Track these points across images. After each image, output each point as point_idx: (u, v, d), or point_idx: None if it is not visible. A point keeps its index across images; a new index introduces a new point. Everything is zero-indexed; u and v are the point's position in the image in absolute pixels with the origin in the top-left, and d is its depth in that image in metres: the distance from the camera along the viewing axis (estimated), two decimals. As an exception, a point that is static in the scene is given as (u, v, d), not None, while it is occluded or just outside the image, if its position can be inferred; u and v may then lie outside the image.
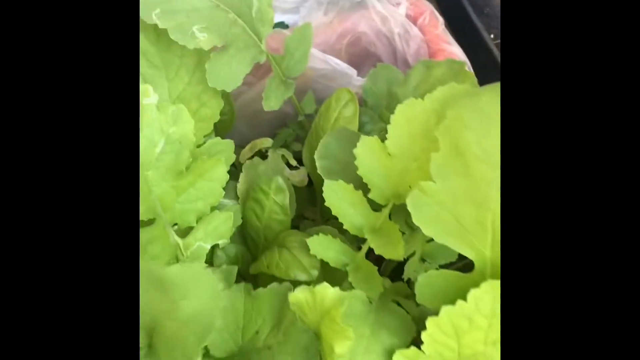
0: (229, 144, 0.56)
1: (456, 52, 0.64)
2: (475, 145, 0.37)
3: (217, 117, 0.55)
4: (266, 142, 0.67)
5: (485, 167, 0.37)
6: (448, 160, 0.38)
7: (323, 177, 0.50)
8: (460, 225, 0.37)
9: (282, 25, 0.87)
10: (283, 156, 0.66)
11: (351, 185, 0.46)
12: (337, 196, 0.46)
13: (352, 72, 0.63)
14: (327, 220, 0.66)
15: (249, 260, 0.58)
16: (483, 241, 0.38)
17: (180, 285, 0.33)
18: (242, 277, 0.57)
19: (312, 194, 0.67)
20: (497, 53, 0.73)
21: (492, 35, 0.76)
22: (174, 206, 0.49)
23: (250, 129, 0.70)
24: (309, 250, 0.48)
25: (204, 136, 0.55)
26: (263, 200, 0.55)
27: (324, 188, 0.46)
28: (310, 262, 0.48)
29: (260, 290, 0.43)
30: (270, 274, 0.50)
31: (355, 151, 0.44)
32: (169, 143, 0.46)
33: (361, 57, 0.70)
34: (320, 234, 0.47)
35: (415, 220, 0.38)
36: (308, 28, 0.58)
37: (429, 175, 0.41)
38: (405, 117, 0.42)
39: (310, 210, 0.68)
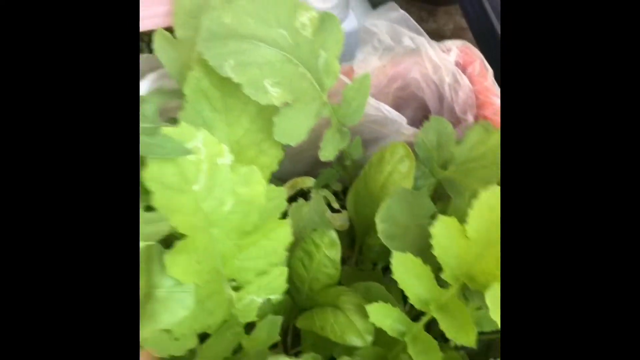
0: (281, 192, 0.55)
1: (504, 106, 0.64)
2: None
3: (276, 167, 0.54)
4: (308, 182, 0.66)
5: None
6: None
7: (383, 241, 0.50)
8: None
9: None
10: (325, 197, 0.66)
11: (419, 260, 0.46)
12: (404, 269, 0.46)
13: (402, 120, 0.63)
14: (357, 262, 0.67)
15: (291, 307, 0.58)
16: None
17: None
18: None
19: (350, 236, 0.67)
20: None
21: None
22: (234, 262, 0.48)
23: (292, 165, 0.69)
24: (363, 313, 0.48)
25: (260, 184, 0.54)
26: (313, 252, 0.55)
27: (392, 260, 0.46)
28: (366, 327, 0.48)
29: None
30: (323, 335, 0.50)
31: (432, 231, 0.44)
32: (238, 203, 0.46)
33: (407, 100, 0.70)
34: (380, 302, 0.47)
35: (493, 314, 0.39)
36: (367, 79, 0.57)
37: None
38: (488, 204, 0.42)
39: (348, 250, 0.68)
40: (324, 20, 0.52)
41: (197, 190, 0.44)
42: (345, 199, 0.67)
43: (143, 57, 0.61)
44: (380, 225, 0.50)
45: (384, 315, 0.47)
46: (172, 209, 0.42)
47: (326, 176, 0.66)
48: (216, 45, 0.48)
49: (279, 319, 0.53)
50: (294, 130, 0.51)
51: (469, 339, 0.43)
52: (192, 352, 0.49)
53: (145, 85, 0.58)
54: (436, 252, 0.44)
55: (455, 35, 1.21)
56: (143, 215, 0.41)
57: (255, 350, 0.52)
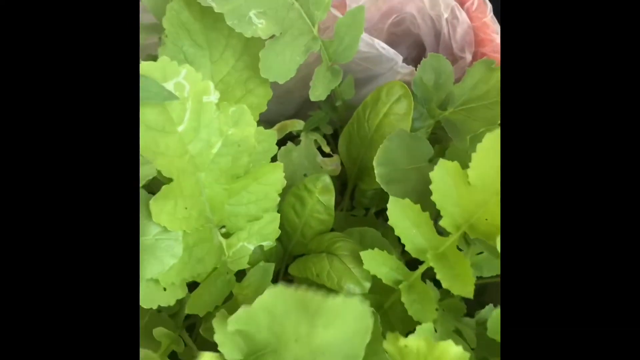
0: (270, 135, 0.52)
1: (504, 43, 0.61)
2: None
3: (264, 107, 0.51)
4: (297, 125, 0.63)
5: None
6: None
7: (381, 186, 0.48)
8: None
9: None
10: (315, 141, 0.63)
11: (418, 206, 0.43)
12: (401, 215, 0.43)
13: (398, 57, 0.59)
14: (352, 208, 0.65)
15: (282, 254, 0.56)
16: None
17: (326, 313, 0.31)
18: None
19: (341, 180, 0.65)
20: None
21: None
22: (224, 208, 0.45)
23: (279, 106, 0.65)
24: (360, 260, 0.46)
25: (248, 126, 0.50)
26: (306, 198, 0.53)
27: (389, 205, 0.43)
28: (363, 274, 0.47)
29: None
30: (320, 283, 0.48)
31: (432, 175, 0.41)
32: (226, 145, 0.42)
33: (402, 36, 0.66)
34: (376, 250, 0.45)
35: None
36: (360, 12, 0.53)
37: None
38: (493, 149, 0.39)
39: (338, 195, 0.65)
40: (315, -54, 0.47)
41: (182, 131, 0.41)
42: (336, 143, 0.64)
43: (118, -12, 0.55)
44: (378, 169, 0.48)
45: (379, 263, 0.45)
46: (156, 151, 0.39)
47: (316, 119, 0.63)
48: (198, -28, 0.44)
49: (271, 266, 0.51)
50: (282, 66, 0.48)
51: (466, 290, 0.41)
52: (181, 303, 0.47)
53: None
54: (435, 198, 0.41)
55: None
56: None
57: (247, 299, 0.50)
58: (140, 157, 0.38)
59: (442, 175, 0.41)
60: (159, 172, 0.39)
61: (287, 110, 0.68)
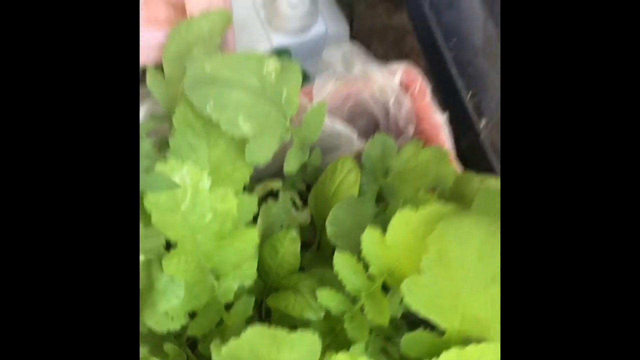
0: (252, 200, 0.69)
1: (438, 121, 0.78)
2: (454, 254, 0.52)
3: (247, 180, 0.67)
4: (277, 184, 0.80)
5: (461, 270, 0.51)
6: (434, 262, 0.52)
7: (332, 241, 0.64)
8: (439, 307, 0.53)
9: (286, 52, 0.99)
10: (291, 197, 0.80)
11: (355, 258, 0.60)
12: (343, 265, 0.60)
13: (353, 134, 0.76)
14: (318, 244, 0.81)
15: (263, 288, 0.73)
16: (453, 319, 0.53)
17: (289, 342, 0.48)
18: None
19: (314, 227, 0.82)
20: (471, 112, 0.86)
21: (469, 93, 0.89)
22: (214, 259, 0.62)
23: (266, 166, 0.82)
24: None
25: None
26: (278, 247, 0.69)
27: (334, 257, 0.60)
28: (319, 306, 0.63)
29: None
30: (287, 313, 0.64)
31: (362, 237, 0.58)
32: (216, 216, 0.60)
33: (360, 114, 0.83)
34: (327, 288, 0.62)
35: (407, 299, 0.53)
36: (323, 107, 0.70)
37: (417, 267, 0.56)
38: (404, 221, 0.56)
39: (311, 237, 0.82)
40: (285, 67, 0.64)
41: (184, 209, 0.58)
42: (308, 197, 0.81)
43: (138, 87, 0.73)
44: (329, 228, 0.65)
45: (330, 299, 0.62)
46: (166, 225, 0.56)
47: (292, 180, 0.80)
48: (199, 89, 0.61)
49: (251, 299, 0.68)
50: (261, 153, 0.65)
51: (383, 320, 0.58)
52: (183, 328, 0.64)
53: (141, 113, 0.71)
54: (364, 253, 0.58)
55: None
56: (144, 231, 0.55)
57: (234, 324, 0.67)
58: (154, 230, 0.55)
59: (368, 238, 0.58)
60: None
61: (271, 170, 0.85)
